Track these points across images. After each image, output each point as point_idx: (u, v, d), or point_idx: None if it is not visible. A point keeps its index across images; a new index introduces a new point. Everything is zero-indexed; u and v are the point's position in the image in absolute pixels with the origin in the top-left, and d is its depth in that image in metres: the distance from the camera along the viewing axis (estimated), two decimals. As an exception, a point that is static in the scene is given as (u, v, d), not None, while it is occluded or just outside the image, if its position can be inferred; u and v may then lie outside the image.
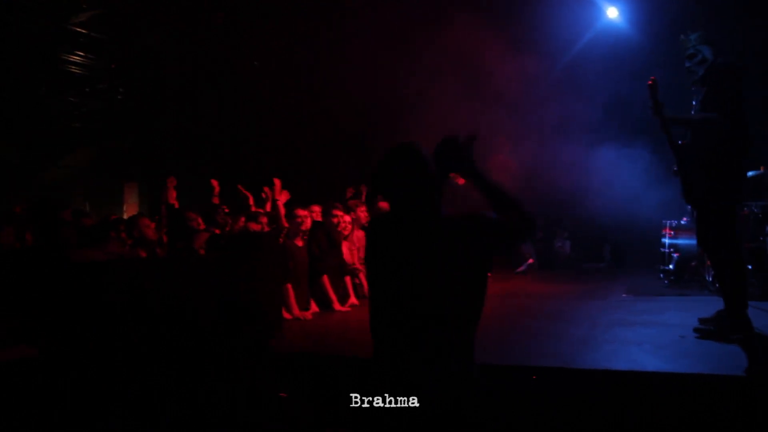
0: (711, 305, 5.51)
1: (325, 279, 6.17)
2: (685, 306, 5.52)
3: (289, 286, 5.65)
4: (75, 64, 9.74)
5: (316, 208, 6.98)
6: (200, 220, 5.26)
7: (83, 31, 8.70)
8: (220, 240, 4.86)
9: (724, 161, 3.97)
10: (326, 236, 6.53)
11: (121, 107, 11.78)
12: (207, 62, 10.30)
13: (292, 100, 10.94)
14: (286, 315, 5.54)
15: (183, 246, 5.22)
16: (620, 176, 8.18)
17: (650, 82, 4.03)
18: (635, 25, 9.09)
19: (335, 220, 6.67)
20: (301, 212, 6.11)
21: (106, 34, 9.01)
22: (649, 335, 4.33)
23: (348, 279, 6.69)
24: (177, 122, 12.21)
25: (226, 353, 4.18)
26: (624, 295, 6.32)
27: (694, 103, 4.32)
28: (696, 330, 4.21)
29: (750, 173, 6.03)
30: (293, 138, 11.42)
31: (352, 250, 7.19)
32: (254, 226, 5.41)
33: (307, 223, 6.35)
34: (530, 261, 9.04)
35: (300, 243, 6.12)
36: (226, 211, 5.90)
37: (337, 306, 6.19)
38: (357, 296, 6.69)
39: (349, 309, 6.22)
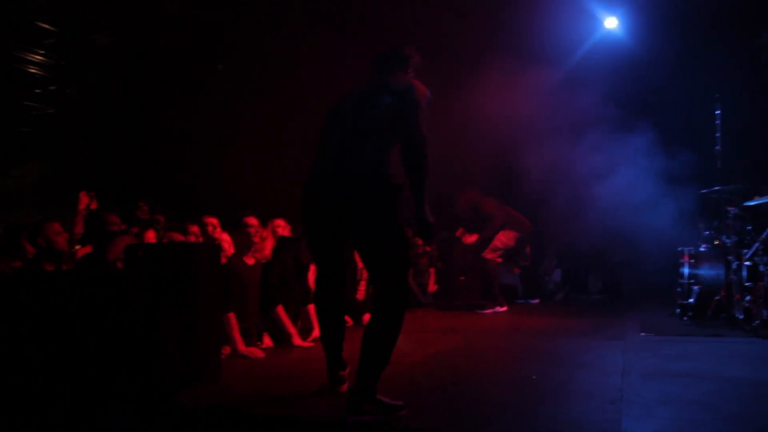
0: (757, 349, 4.53)
1: (280, 310, 4.98)
2: (726, 350, 4.47)
3: (232, 315, 4.46)
4: (22, 60, 8.58)
5: (281, 222, 5.85)
6: (118, 220, 4.07)
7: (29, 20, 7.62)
8: (138, 250, 3.66)
9: None
10: (295, 259, 5.41)
11: (74, 111, 10.55)
12: (165, 64, 9.19)
13: (262, 104, 9.79)
14: (226, 351, 4.36)
15: (94, 255, 4.02)
16: (612, 192, 7.36)
17: None
18: (635, 34, 8.30)
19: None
20: (252, 221, 4.95)
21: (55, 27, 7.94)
22: (707, 392, 3.24)
23: (312, 308, 5.53)
24: (135, 127, 10.98)
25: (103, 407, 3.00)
26: (643, 335, 5.24)
27: None
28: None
29: None
30: (263, 144, 10.23)
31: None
32: (180, 237, 4.20)
33: (266, 246, 5.21)
34: (502, 308, 7.76)
35: (251, 261, 4.94)
36: (145, 209, 4.70)
37: (296, 340, 5.02)
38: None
39: (311, 344, 5.05)
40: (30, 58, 8.64)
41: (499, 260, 7.82)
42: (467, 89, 7.42)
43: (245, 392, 3.48)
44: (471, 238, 8.08)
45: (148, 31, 8.45)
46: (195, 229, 5.06)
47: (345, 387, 3.31)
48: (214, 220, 4.94)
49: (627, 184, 7.30)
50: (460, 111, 7.03)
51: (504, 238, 7.87)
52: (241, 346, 4.44)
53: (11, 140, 11.24)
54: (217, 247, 3.90)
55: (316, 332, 5.34)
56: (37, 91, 9.75)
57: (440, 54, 7.66)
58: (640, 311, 6.81)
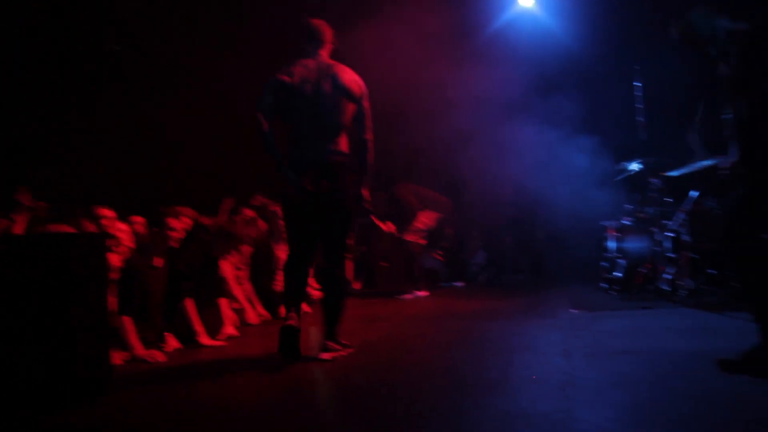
0: (686, 319, 4.44)
1: (188, 304, 4.43)
2: (659, 323, 4.34)
3: (127, 319, 3.87)
4: None
5: (188, 212, 5.25)
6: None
7: None
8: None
9: None
10: (204, 251, 4.85)
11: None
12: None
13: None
14: (119, 358, 3.77)
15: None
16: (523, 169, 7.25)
17: None
18: (552, 9, 8.20)
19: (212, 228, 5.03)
20: (174, 223, 4.41)
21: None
22: (656, 369, 3.02)
23: (224, 302, 4.99)
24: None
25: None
26: (575, 311, 5.06)
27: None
28: (721, 363, 2.90)
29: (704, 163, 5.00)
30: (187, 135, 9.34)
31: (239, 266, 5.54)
32: (63, 227, 3.55)
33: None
34: (423, 293, 7.48)
35: (160, 263, 4.34)
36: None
37: (205, 339, 4.47)
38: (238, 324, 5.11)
39: (224, 343, 4.52)
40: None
41: (423, 242, 7.52)
42: (379, 65, 7.05)
43: (139, 408, 2.94)
44: (388, 226, 7.76)
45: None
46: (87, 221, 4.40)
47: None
48: (108, 212, 4.28)
49: (546, 159, 7.19)
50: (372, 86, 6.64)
51: (425, 219, 7.58)
52: (140, 350, 3.86)
53: None
54: (100, 240, 3.28)
55: (227, 328, 4.83)
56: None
57: (348, 28, 7.23)
58: (566, 288, 6.70)
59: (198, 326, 4.48)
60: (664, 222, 5.58)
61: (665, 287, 5.40)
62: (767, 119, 2.77)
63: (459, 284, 8.33)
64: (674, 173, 5.52)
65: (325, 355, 3.68)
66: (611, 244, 5.97)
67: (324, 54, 3.83)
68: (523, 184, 7.62)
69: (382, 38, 6.58)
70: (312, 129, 3.68)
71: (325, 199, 3.66)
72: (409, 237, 7.47)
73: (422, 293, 7.25)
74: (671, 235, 5.48)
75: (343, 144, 3.75)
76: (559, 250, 8.27)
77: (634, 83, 6.28)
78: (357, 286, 7.75)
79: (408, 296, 7.15)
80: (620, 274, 5.82)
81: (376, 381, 3.24)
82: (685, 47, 3.13)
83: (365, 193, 3.88)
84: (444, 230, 8.26)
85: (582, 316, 4.86)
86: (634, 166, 5.98)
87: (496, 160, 7.67)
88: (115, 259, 4.08)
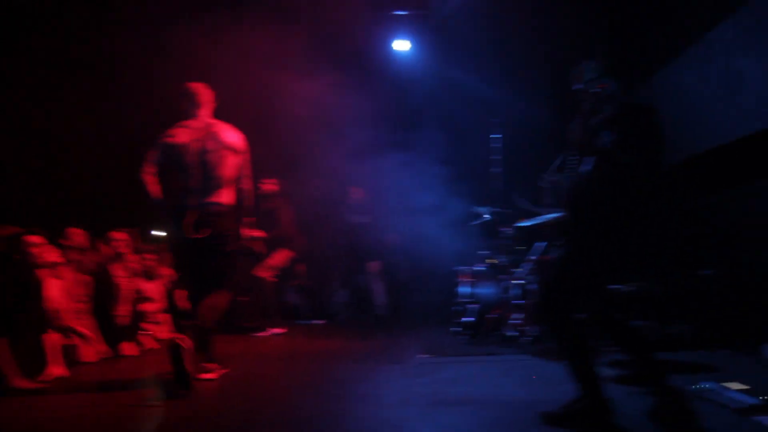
0: (527, 366, 4.55)
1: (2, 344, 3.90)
2: (500, 370, 4.40)
3: None
4: None
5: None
6: None
7: None
8: None
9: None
10: (17, 278, 4.31)
11: None
12: None
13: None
14: None
15: None
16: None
17: None
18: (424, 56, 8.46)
19: (35, 251, 4.49)
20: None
21: None
22: (483, 422, 3.00)
23: (51, 338, 4.48)
24: None
25: None
26: (423, 356, 5.04)
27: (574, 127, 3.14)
28: (544, 416, 2.94)
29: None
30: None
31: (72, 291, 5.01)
32: None
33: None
34: (278, 330, 7.29)
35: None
36: None
37: (18, 381, 3.94)
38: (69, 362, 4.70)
39: (46, 385, 4.02)
40: None
41: (274, 279, 7.28)
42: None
43: None
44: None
45: None
46: None
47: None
48: None
49: (408, 204, 7.27)
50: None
51: (281, 258, 7.37)
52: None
53: None
54: None
55: (52, 368, 4.32)
56: None
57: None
58: (421, 331, 6.72)
59: (5, 368, 3.93)
60: (513, 270, 5.77)
61: (512, 333, 5.55)
62: (603, 186, 2.86)
63: (318, 322, 8.15)
64: (522, 224, 5.75)
65: (207, 375, 4.16)
66: (464, 289, 6.08)
67: (205, 114, 4.32)
68: (386, 223, 7.65)
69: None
70: (196, 182, 4.14)
71: (205, 242, 4.10)
72: (262, 273, 7.21)
73: (278, 330, 6.99)
74: (520, 282, 5.67)
75: (225, 194, 4.22)
76: (420, 292, 8.36)
77: (491, 135, 6.55)
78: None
79: (262, 333, 6.87)
80: (472, 319, 5.92)
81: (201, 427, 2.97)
82: (572, 92, 3.15)
83: (242, 231, 4.38)
84: (295, 268, 8.12)
85: (429, 361, 4.85)
86: (487, 214, 6.18)
87: (354, 193, 7.65)
88: None
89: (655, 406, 2.78)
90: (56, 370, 4.50)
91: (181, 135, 4.19)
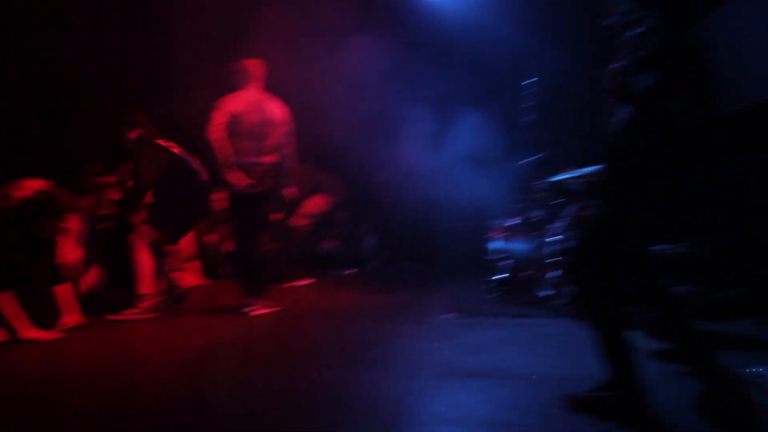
0: (561, 332, 4.16)
1: (6, 298, 3.78)
2: (531, 335, 4.04)
3: None
4: None
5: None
6: None
7: None
8: None
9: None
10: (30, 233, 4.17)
11: None
12: None
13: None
14: None
15: None
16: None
17: None
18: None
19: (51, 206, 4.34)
20: None
21: None
22: (503, 403, 2.67)
23: (63, 289, 4.39)
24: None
25: None
26: (447, 316, 4.73)
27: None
28: (571, 398, 2.58)
29: None
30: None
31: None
32: None
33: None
34: (306, 281, 7.12)
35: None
36: None
37: (28, 332, 3.86)
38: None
39: (59, 334, 3.96)
40: None
41: (309, 227, 7.03)
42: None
43: None
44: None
45: None
46: None
47: None
48: None
49: (443, 152, 6.86)
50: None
51: (317, 204, 7.10)
52: None
53: None
54: None
55: (67, 317, 4.27)
56: None
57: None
58: (447, 285, 6.39)
59: (15, 321, 3.84)
60: (549, 226, 5.33)
61: (546, 293, 5.16)
62: (642, 133, 2.41)
63: (349, 271, 7.93)
64: (557, 178, 5.27)
65: (249, 310, 4.89)
66: (496, 244, 5.69)
67: (257, 87, 4.98)
68: (418, 168, 7.28)
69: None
70: (250, 145, 4.86)
71: (259, 195, 4.93)
72: (296, 222, 6.97)
73: (306, 281, 6.81)
74: (556, 238, 5.24)
75: (273, 157, 4.99)
76: (450, 241, 7.99)
77: (524, 82, 5.96)
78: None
79: (289, 283, 6.69)
80: (504, 276, 5.55)
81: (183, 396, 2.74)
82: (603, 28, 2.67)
83: (288, 191, 5.17)
84: (336, 214, 7.81)
85: (454, 322, 4.53)
86: (526, 165, 5.71)
87: (392, 141, 7.29)
88: None
89: (699, 393, 2.37)
90: (71, 318, 4.47)
91: (237, 104, 4.85)
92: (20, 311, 3.97)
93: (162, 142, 5.14)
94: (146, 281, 4.88)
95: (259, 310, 4.90)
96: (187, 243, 6.48)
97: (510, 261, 5.59)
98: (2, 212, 4.09)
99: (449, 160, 6.58)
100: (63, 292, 4.49)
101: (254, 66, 4.98)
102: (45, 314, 4.23)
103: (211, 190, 5.47)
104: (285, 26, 6.49)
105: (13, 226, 4.11)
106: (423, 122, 6.68)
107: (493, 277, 5.64)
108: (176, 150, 5.19)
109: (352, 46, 6.68)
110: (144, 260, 4.88)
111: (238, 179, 4.82)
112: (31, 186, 4.32)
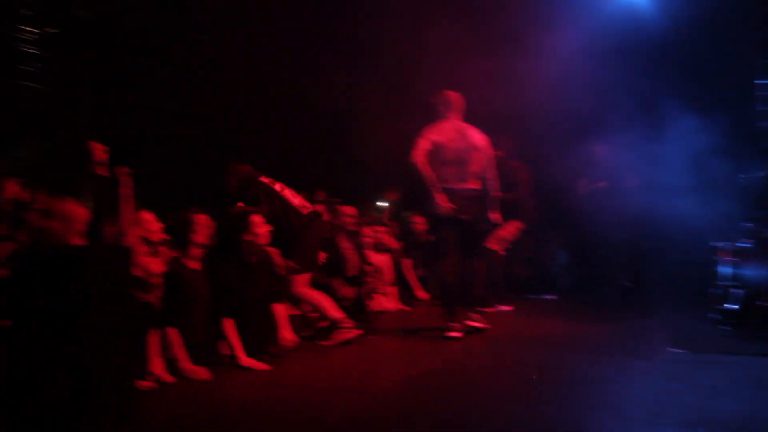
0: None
1: (228, 324, 4.09)
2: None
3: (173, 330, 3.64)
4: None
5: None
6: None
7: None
8: (22, 257, 2.80)
9: None
10: (238, 257, 4.46)
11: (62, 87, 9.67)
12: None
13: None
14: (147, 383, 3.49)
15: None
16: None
17: None
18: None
19: (258, 230, 4.58)
20: (201, 217, 4.11)
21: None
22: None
23: (281, 308, 4.67)
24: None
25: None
26: (674, 350, 4.30)
27: None
28: None
29: None
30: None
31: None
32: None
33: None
34: (506, 307, 6.80)
35: (195, 265, 4.07)
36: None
37: (246, 360, 4.08)
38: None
39: (264, 366, 4.10)
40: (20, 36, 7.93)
41: (503, 252, 6.87)
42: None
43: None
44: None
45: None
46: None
47: None
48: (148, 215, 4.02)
49: (656, 165, 6.33)
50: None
51: (512, 229, 6.93)
52: (158, 368, 3.57)
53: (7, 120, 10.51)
54: (118, 250, 3.00)
55: (286, 333, 4.55)
56: (26, 68, 8.95)
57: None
58: (665, 315, 5.81)
59: (235, 345, 4.10)
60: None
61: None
62: None
63: (549, 297, 7.60)
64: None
65: (452, 334, 4.95)
66: (725, 269, 5.08)
67: (457, 117, 5.19)
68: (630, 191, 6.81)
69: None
70: (453, 172, 5.03)
71: (465, 221, 5.04)
72: (493, 245, 6.85)
73: (506, 307, 6.65)
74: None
75: (475, 182, 5.12)
76: (662, 263, 7.30)
77: (755, 81, 5.26)
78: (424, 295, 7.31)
79: (489, 309, 6.56)
80: (736, 306, 4.93)
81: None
82: None
83: (492, 215, 5.25)
84: (523, 239, 7.57)
85: (683, 359, 4.10)
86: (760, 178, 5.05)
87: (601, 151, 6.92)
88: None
89: None
90: (288, 336, 4.68)
91: (440, 133, 5.07)
92: (237, 338, 4.17)
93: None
94: (331, 308, 4.97)
95: (460, 333, 4.98)
96: (386, 268, 6.68)
97: (742, 289, 4.96)
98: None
99: (666, 172, 6.03)
100: (279, 312, 4.71)
101: (455, 97, 5.23)
102: (261, 337, 4.43)
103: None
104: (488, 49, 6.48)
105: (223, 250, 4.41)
106: (637, 130, 6.22)
107: (722, 307, 5.04)
108: None
109: (552, 52, 6.48)
110: (313, 294, 5.02)
111: (443, 202, 4.98)
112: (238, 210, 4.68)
